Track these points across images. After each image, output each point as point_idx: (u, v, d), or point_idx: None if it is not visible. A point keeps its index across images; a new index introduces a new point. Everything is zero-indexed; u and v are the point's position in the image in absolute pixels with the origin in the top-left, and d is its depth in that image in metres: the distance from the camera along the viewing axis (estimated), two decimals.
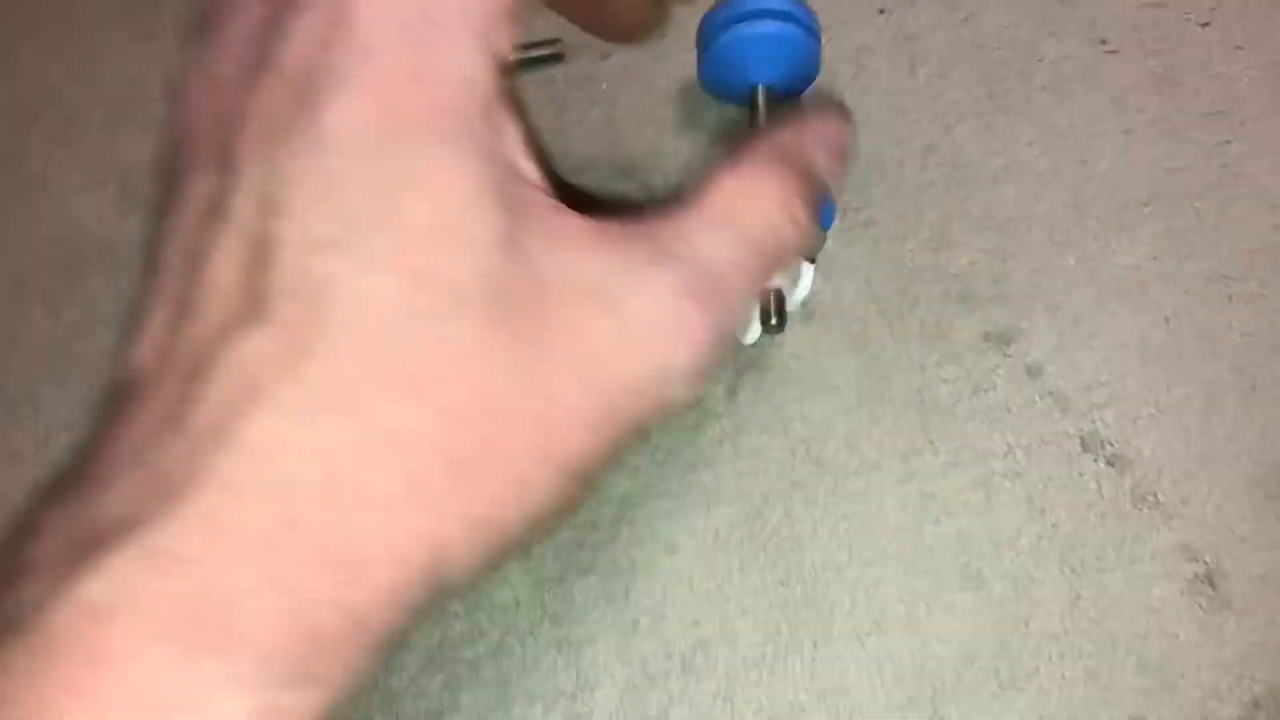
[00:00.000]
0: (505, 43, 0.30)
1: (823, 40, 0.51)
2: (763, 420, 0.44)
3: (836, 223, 0.48)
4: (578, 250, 0.29)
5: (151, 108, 0.53)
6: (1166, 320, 0.45)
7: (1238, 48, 0.50)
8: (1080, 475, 0.43)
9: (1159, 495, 0.43)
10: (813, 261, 0.43)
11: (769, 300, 0.40)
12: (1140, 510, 0.42)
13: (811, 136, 0.36)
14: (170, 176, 0.31)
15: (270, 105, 0.28)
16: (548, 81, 0.52)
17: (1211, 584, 0.41)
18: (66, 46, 0.55)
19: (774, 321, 0.40)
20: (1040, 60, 0.50)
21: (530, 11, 0.34)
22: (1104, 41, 0.51)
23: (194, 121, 0.31)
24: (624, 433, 0.30)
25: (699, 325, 0.30)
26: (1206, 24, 0.51)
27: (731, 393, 0.44)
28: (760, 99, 0.44)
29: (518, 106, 0.31)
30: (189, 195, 0.29)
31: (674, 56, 0.52)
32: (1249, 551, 0.42)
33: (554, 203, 0.30)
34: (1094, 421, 0.44)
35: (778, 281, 0.41)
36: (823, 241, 0.45)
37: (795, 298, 0.44)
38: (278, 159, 0.27)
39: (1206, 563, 0.42)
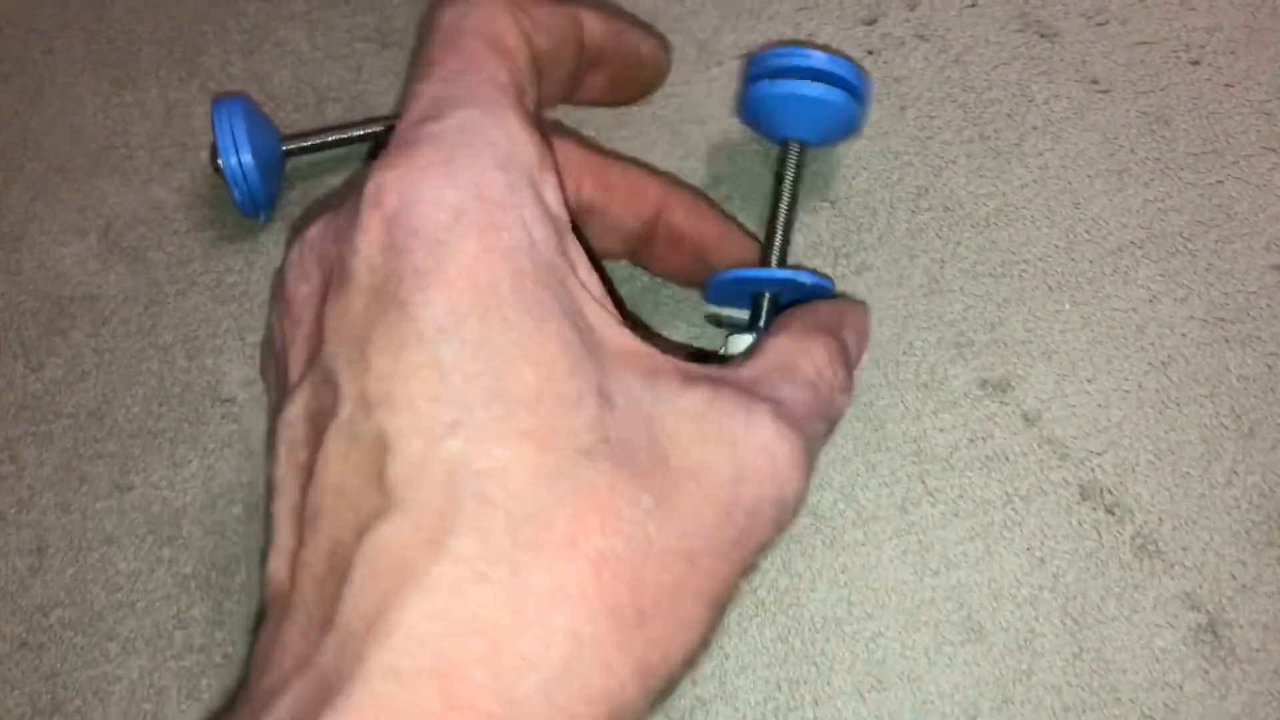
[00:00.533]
0: (557, 193, 0.32)
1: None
2: None
3: (830, 270, 0.47)
4: (675, 391, 0.31)
5: (134, 157, 0.52)
6: (1163, 364, 0.45)
7: (1228, 86, 0.50)
8: (1080, 524, 0.42)
9: (1159, 543, 0.42)
10: None
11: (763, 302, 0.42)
12: (1141, 559, 0.42)
13: (846, 317, 0.39)
14: (271, 405, 0.33)
15: (352, 312, 0.29)
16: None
17: (1214, 633, 0.41)
18: (46, 95, 0.54)
19: (763, 324, 0.42)
20: (1031, 100, 0.50)
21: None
22: (1095, 81, 0.51)
23: (282, 348, 0.33)
24: (755, 560, 0.31)
25: (804, 452, 0.32)
26: (1196, 62, 0.51)
27: None
28: (792, 154, 0.44)
29: (584, 245, 0.32)
30: (288, 415, 0.31)
31: (662, 101, 0.52)
32: (1251, 599, 0.41)
33: (639, 346, 0.31)
34: (1092, 469, 0.43)
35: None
36: None
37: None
38: (370, 358, 0.28)
39: (1209, 612, 0.41)
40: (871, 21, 0.53)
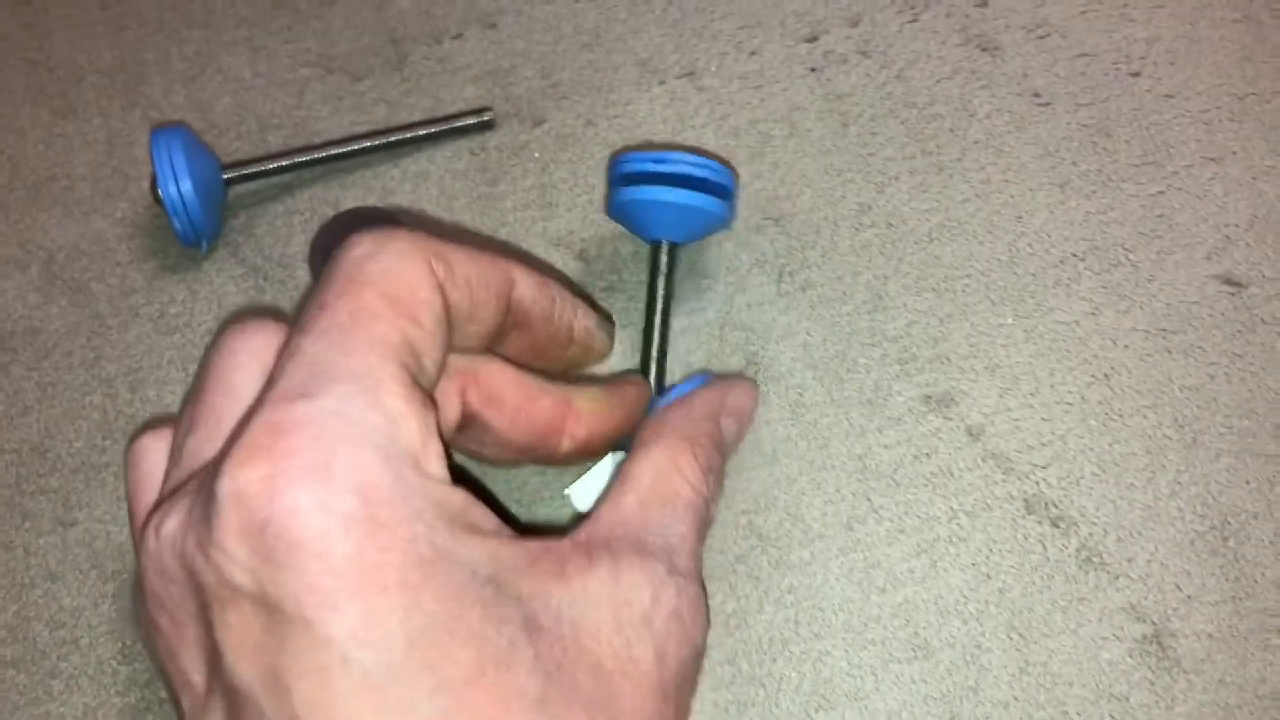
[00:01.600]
0: (440, 460, 0.31)
1: (754, 100, 0.50)
2: None
3: (773, 287, 0.47)
4: (584, 576, 0.31)
5: (75, 188, 0.52)
6: (1106, 376, 0.45)
7: (1168, 96, 0.51)
8: (1025, 538, 0.42)
9: (1104, 555, 0.42)
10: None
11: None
12: (1086, 571, 0.42)
13: (725, 402, 0.39)
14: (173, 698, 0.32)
15: (249, 631, 0.28)
16: (479, 150, 0.51)
17: (1160, 644, 0.41)
18: None
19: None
20: (972, 115, 0.50)
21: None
22: (1036, 94, 0.51)
23: (169, 650, 0.31)
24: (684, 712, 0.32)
25: (700, 594, 0.33)
26: (1137, 74, 0.51)
27: None
28: (663, 253, 0.44)
29: (474, 490, 0.32)
30: None
31: (606, 122, 0.52)
32: (1196, 609, 0.41)
33: (540, 549, 0.31)
34: (1037, 483, 0.43)
35: None
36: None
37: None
38: (289, 684, 0.27)
39: (1154, 623, 0.41)
40: (813, 39, 0.53)
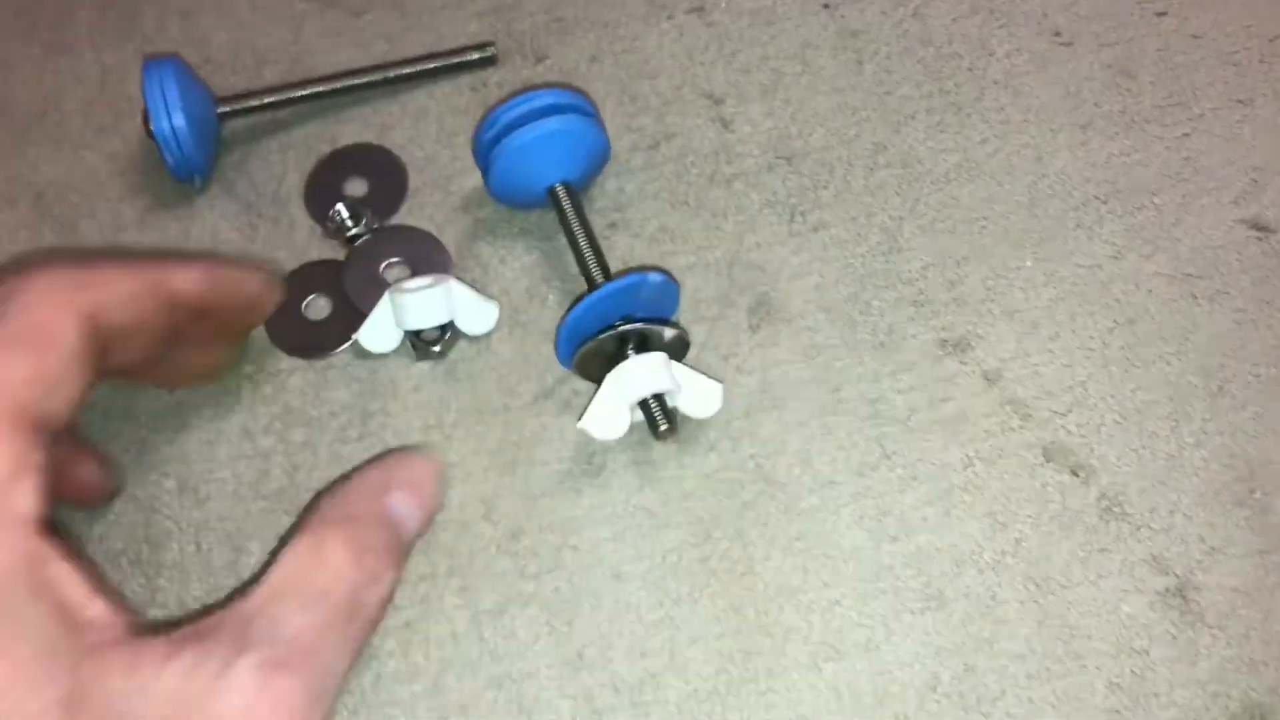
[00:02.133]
0: (33, 495, 0.31)
1: (765, 37, 0.49)
2: (710, 438, 0.42)
3: (785, 227, 0.46)
4: (156, 671, 0.30)
5: (66, 124, 0.50)
6: (1129, 321, 0.43)
7: (1195, 37, 0.49)
8: (1043, 487, 0.41)
9: (1125, 506, 0.41)
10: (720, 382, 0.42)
11: (652, 409, 0.41)
12: (1107, 522, 0.40)
13: (394, 479, 0.37)
14: None
15: None
16: (480, 86, 0.50)
17: (1183, 597, 0.39)
18: None
19: (664, 428, 0.41)
20: (991, 54, 0.49)
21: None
22: (1057, 33, 0.49)
23: None
24: None
25: (291, 691, 0.31)
26: (1163, 13, 0.49)
27: (675, 411, 0.42)
28: (562, 196, 0.44)
29: (67, 549, 0.31)
30: None
31: (611, 58, 0.50)
32: (1221, 562, 0.40)
33: (122, 632, 0.31)
34: (1056, 430, 0.42)
35: (661, 387, 0.40)
36: (685, 349, 0.43)
37: (704, 414, 0.42)
38: None
39: (1177, 575, 0.40)
40: None
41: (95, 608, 0.31)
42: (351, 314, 0.45)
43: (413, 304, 0.42)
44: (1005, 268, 0.44)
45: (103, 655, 0.30)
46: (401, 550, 0.36)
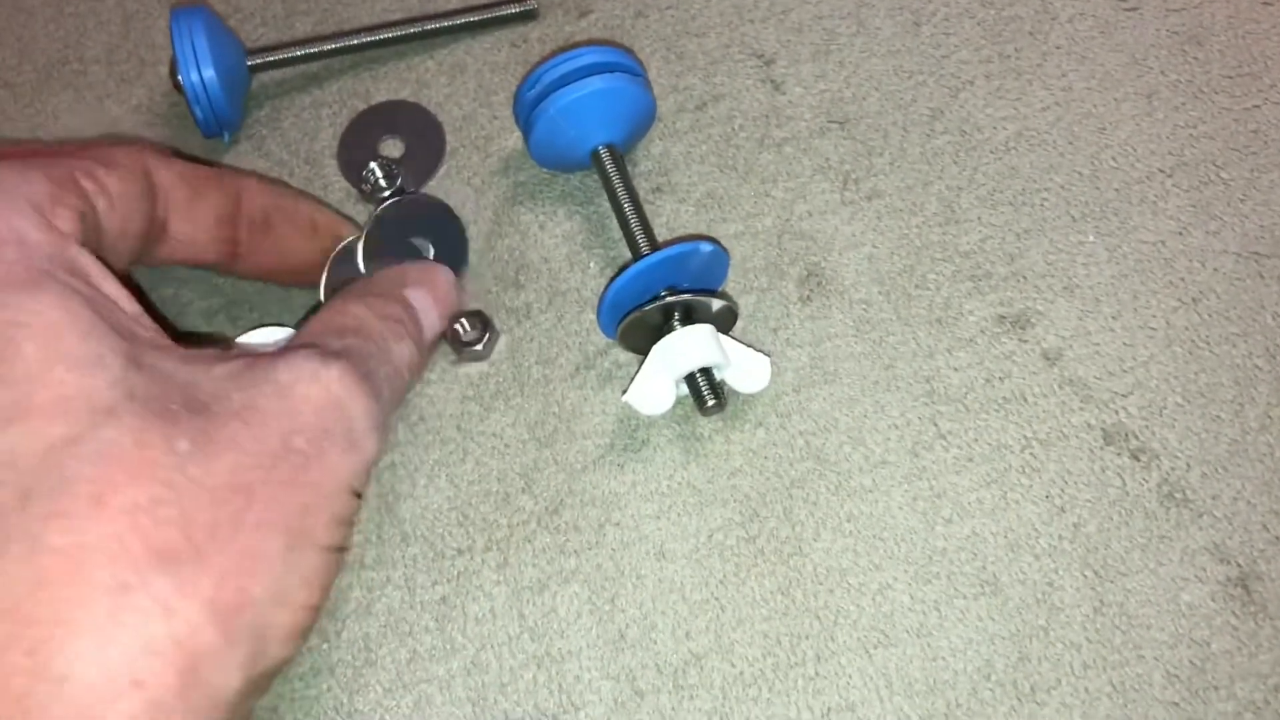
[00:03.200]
0: (71, 222, 0.32)
1: None
2: (758, 413, 0.41)
3: (838, 195, 0.44)
4: (211, 363, 0.31)
5: (88, 72, 0.49)
6: (1194, 300, 0.42)
7: (1266, 4, 0.47)
8: (1103, 470, 0.40)
9: (1187, 492, 0.39)
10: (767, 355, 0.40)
11: (699, 383, 0.39)
12: (1167, 508, 0.39)
13: (406, 277, 0.38)
14: None
15: None
16: (520, 41, 0.48)
17: (1245, 587, 0.38)
18: None
19: (711, 404, 0.39)
20: (1054, 18, 0.47)
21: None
22: None
23: None
24: (336, 492, 0.31)
25: (357, 375, 0.32)
26: None
27: (722, 385, 0.40)
28: (606, 159, 0.42)
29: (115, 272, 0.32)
30: None
31: (657, 14, 0.48)
32: None
33: (173, 344, 0.31)
34: (1117, 412, 0.40)
35: (708, 361, 0.39)
36: (733, 320, 0.42)
37: (752, 389, 0.40)
38: None
39: (1239, 565, 0.38)
40: None
41: (144, 319, 0.31)
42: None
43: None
44: (1066, 242, 0.43)
45: (159, 347, 0.30)
46: (421, 335, 0.37)
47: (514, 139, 0.46)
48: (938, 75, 0.46)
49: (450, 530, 0.39)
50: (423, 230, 0.43)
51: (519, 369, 0.42)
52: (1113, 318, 0.42)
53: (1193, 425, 0.40)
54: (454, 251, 0.43)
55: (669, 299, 0.40)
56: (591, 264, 0.44)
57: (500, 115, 0.46)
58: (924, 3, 0.47)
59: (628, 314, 0.40)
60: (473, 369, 0.42)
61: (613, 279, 0.40)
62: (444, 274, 0.40)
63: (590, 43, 0.43)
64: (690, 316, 0.40)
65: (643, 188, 0.44)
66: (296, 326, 0.42)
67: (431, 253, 0.43)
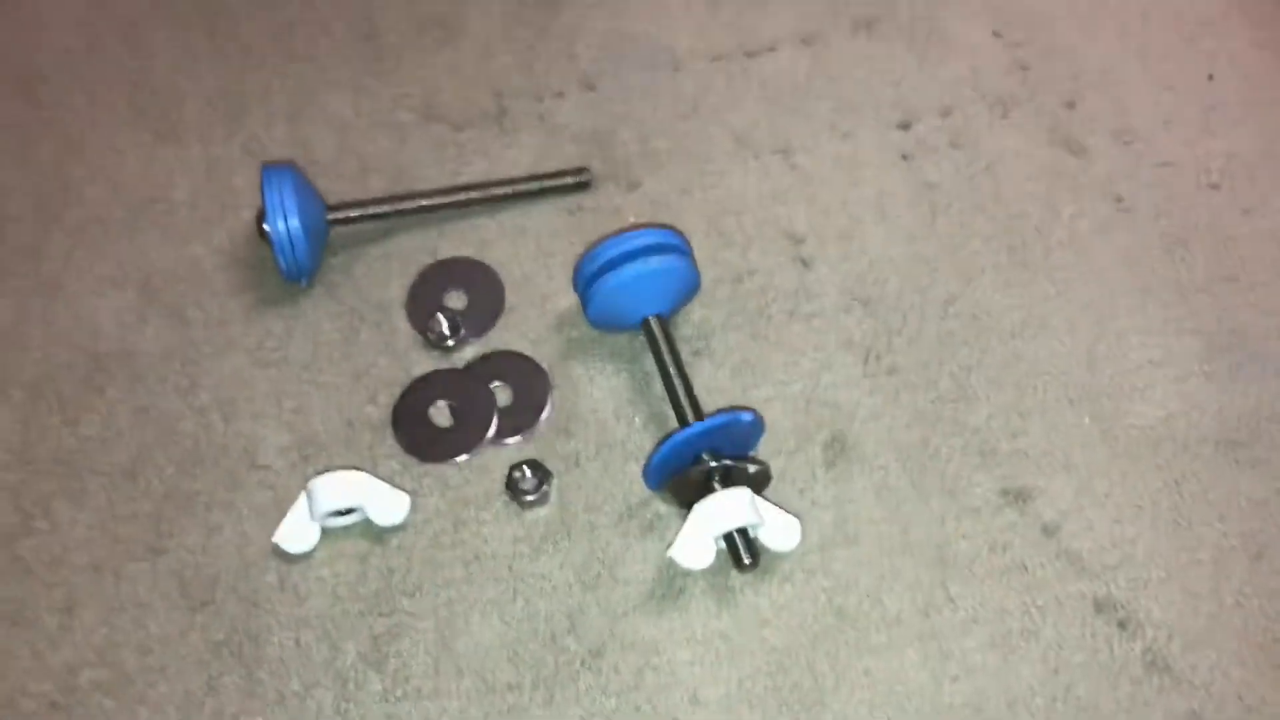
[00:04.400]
0: None
1: (846, 184, 0.52)
2: (785, 569, 0.45)
3: (860, 369, 0.48)
4: None
5: (174, 213, 0.53)
6: (1176, 483, 0.47)
7: (1245, 211, 0.52)
8: (1093, 637, 0.44)
9: (1169, 660, 0.43)
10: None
11: (736, 543, 0.43)
12: (1151, 675, 0.43)
13: None
14: None
15: None
16: (575, 209, 0.53)
17: None
18: (88, 144, 0.55)
19: (748, 562, 0.43)
20: (1058, 216, 0.52)
21: None
22: (1119, 199, 0.52)
23: None
24: None
25: None
26: (1216, 186, 0.53)
27: (756, 543, 0.44)
28: (655, 329, 0.47)
29: None
30: None
31: (701, 191, 0.53)
32: None
33: None
34: (1107, 584, 0.45)
35: (746, 522, 0.43)
36: (766, 482, 0.46)
37: (783, 547, 0.45)
38: None
39: None
40: (906, 126, 0.54)
41: None
42: (470, 422, 0.47)
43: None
44: (1065, 423, 0.47)
45: None
46: None
47: (567, 298, 0.50)
48: (953, 263, 0.51)
49: (501, 666, 0.43)
50: (503, 378, 0.48)
51: (567, 514, 0.46)
52: (1105, 495, 0.46)
53: (1174, 599, 0.45)
54: (535, 399, 0.48)
55: (712, 464, 0.44)
56: (636, 418, 0.48)
57: (555, 276, 0.51)
58: (941, 195, 0.52)
59: (673, 474, 0.44)
60: (525, 512, 0.46)
61: (661, 441, 0.44)
62: None
63: (646, 225, 0.48)
64: (729, 477, 0.44)
65: (684, 350, 0.49)
66: (363, 468, 0.46)
67: (510, 400, 0.48)
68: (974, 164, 0.53)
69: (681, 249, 0.47)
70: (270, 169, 0.49)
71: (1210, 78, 0.56)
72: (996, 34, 0.57)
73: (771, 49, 0.57)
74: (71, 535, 0.46)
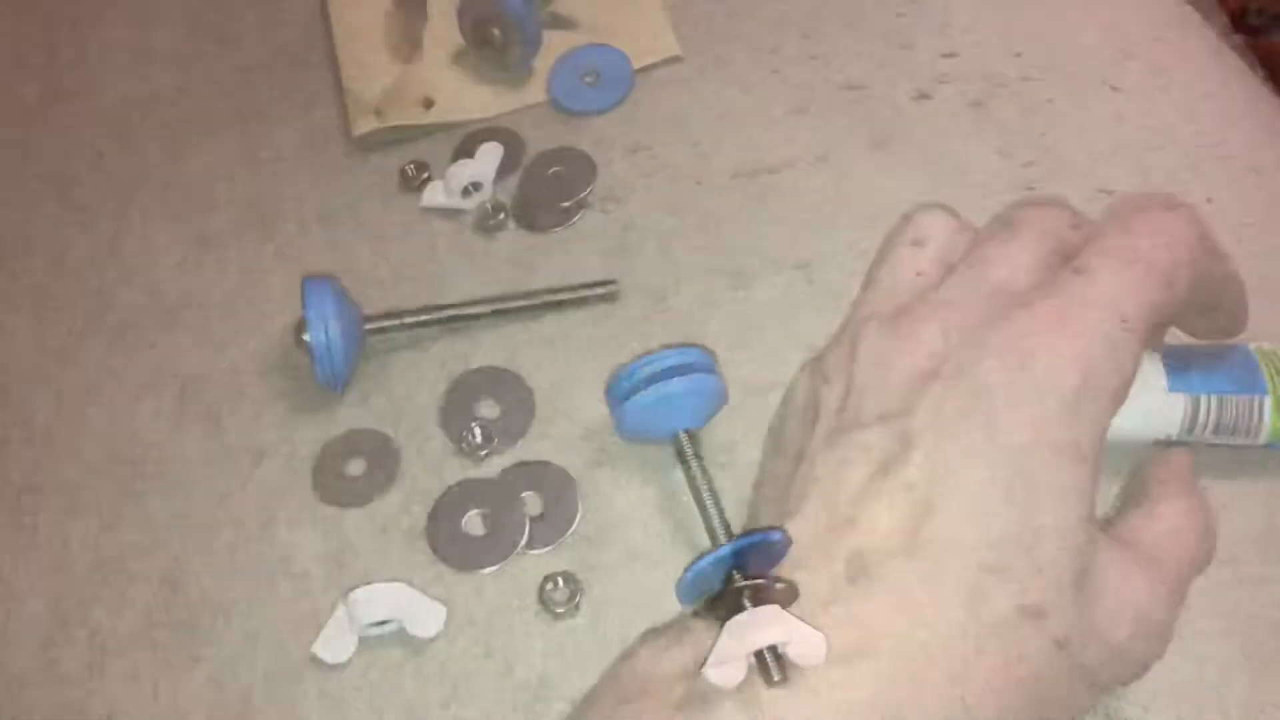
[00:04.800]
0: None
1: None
2: (810, 682, 0.46)
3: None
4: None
5: (210, 317, 0.54)
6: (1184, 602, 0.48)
7: None
8: None
9: None
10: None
11: (766, 659, 0.43)
12: None
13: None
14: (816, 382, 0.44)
15: (945, 404, 0.38)
16: (603, 319, 0.54)
17: None
18: (124, 245, 0.56)
19: (778, 678, 0.44)
20: None
21: None
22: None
23: (864, 370, 0.42)
24: None
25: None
26: None
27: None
28: (686, 444, 0.49)
29: None
30: (856, 444, 0.41)
31: (725, 305, 0.55)
32: None
33: None
34: (1118, 697, 0.46)
35: (777, 639, 0.44)
36: (793, 598, 0.47)
37: (808, 663, 0.46)
38: (948, 453, 0.38)
39: None
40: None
41: None
42: (502, 531, 0.49)
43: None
44: None
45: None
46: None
47: (596, 407, 0.52)
48: None
49: None
50: (534, 487, 0.50)
51: (596, 627, 0.47)
52: None
53: (1182, 713, 0.46)
54: (566, 509, 0.49)
55: (743, 583, 0.45)
56: (664, 530, 0.49)
57: (585, 387, 0.52)
58: None
59: (705, 590, 0.46)
60: (557, 622, 0.47)
61: (695, 560, 0.46)
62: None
63: (678, 345, 0.49)
64: (759, 596, 0.46)
65: (712, 462, 0.50)
66: (399, 579, 0.47)
67: (541, 510, 0.49)
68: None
69: (709, 367, 0.49)
70: (312, 282, 0.50)
71: (1209, 200, 0.58)
72: (1003, 153, 0.59)
73: (790, 165, 0.59)
74: (110, 642, 0.47)
